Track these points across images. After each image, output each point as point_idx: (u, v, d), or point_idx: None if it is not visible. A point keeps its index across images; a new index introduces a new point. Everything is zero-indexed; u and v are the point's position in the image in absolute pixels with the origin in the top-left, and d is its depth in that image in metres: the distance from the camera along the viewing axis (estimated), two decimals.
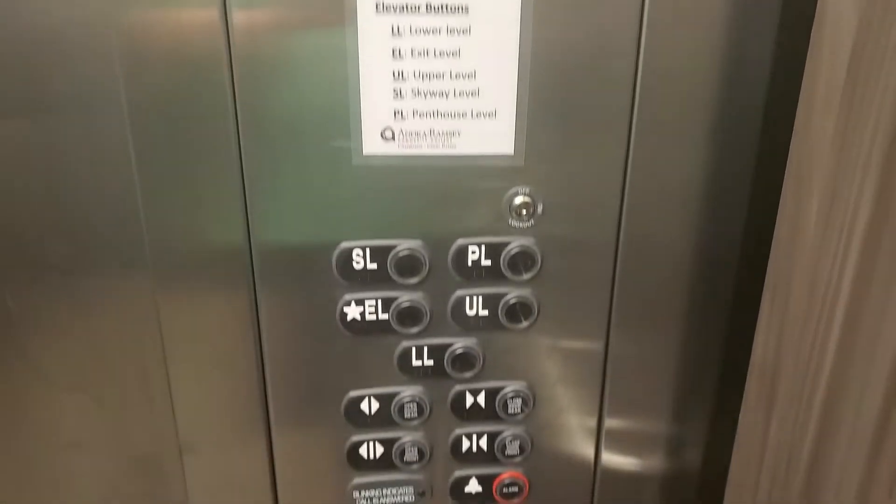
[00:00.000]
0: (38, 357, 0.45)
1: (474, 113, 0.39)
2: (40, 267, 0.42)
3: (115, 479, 0.49)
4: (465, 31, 0.37)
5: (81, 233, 0.41)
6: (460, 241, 0.43)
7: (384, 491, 0.49)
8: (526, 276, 0.44)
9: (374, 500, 0.49)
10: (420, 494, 0.49)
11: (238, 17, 0.36)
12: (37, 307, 0.43)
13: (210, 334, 0.44)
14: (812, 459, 0.38)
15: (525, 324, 0.45)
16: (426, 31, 0.37)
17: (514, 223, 0.42)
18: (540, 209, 0.42)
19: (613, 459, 0.52)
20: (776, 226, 0.38)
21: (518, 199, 0.42)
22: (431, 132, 0.40)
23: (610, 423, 0.50)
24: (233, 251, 0.42)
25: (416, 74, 0.38)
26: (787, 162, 0.37)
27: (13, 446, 0.47)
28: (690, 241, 0.45)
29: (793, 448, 0.39)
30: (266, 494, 0.49)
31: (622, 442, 0.52)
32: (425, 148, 0.40)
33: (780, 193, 0.39)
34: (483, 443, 0.48)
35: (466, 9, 0.37)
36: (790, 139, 0.38)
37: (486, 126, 0.40)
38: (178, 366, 0.45)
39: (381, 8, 0.36)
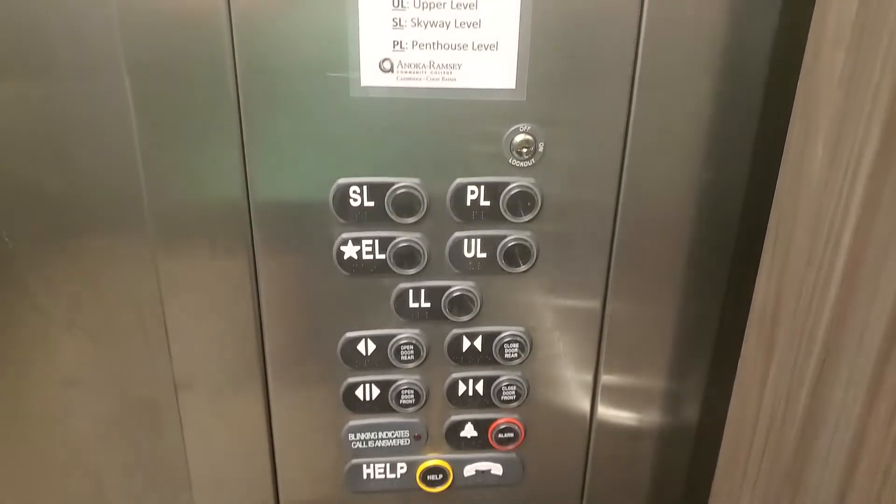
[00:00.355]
0: (36, 294, 0.44)
1: (475, 45, 0.39)
2: (42, 213, 0.42)
3: (111, 417, 0.49)
4: None
5: (81, 181, 0.41)
6: (459, 181, 0.42)
7: (379, 434, 0.49)
8: (525, 219, 0.43)
9: (368, 443, 0.49)
10: (415, 438, 0.49)
11: None
12: (36, 248, 0.43)
13: (206, 275, 0.44)
14: (810, 401, 0.38)
15: (523, 267, 0.45)
16: None
17: (515, 162, 0.42)
18: (541, 148, 0.41)
19: (609, 413, 0.52)
20: (781, 166, 0.38)
21: (519, 137, 0.41)
22: (431, 64, 0.39)
23: (607, 376, 0.50)
24: (230, 192, 0.41)
25: (416, 3, 0.37)
26: (795, 100, 0.37)
27: (10, 382, 0.47)
28: (693, 186, 0.44)
29: (791, 391, 0.39)
30: (261, 435, 0.49)
31: (618, 395, 0.51)
32: (424, 80, 0.39)
33: (784, 146, 0.38)
34: (479, 387, 0.48)
35: None
36: (795, 89, 0.37)
37: (488, 59, 0.39)
38: (174, 306, 0.45)
39: None
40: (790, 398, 0.39)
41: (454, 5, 0.37)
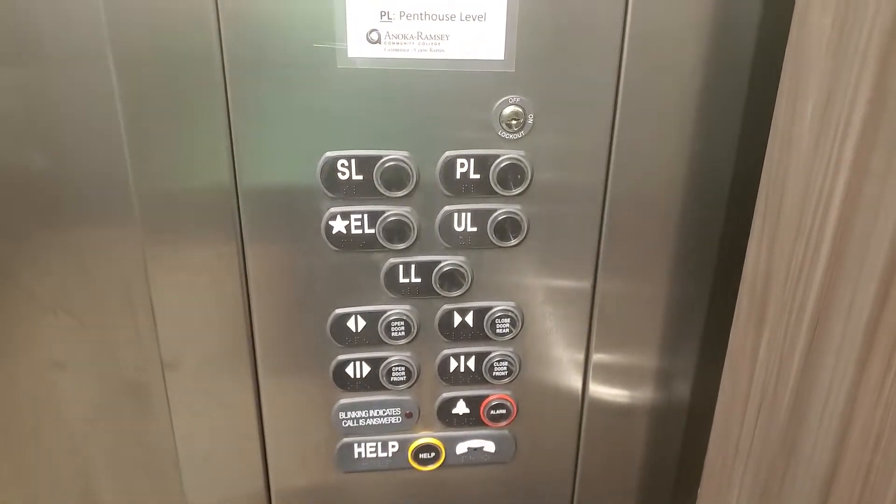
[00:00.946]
0: (23, 278, 0.44)
1: (463, 15, 0.38)
2: (29, 197, 0.41)
3: (99, 400, 0.48)
4: None
5: (68, 166, 0.41)
6: (448, 153, 0.42)
7: (370, 412, 0.48)
8: (516, 192, 0.43)
9: (360, 421, 0.49)
10: (407, 416, 0.49)
11: None
12: (23, 232, 0.42)
13: (194, 255, 0.44)
14: (802, 368, 0.38)
15: (514, 241, 0.45)
16: None
17: (505, 135, 0.41)
18: (531, 120, 0.41)
19: (601, 390, 0.52)
20: (770, 134, 0.38)
21: (508, 109, 0.41)
22: (419, 35, 0.38)
23: (598, 354, 0.50)
24: (217, 170, 0.41)
25: None
26: (783, 67, 0.37)
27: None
28: (683, 159, 0.44)
29: (783, 359, 0.39)
30: (250, 415, 0.49)
31: (610, 372, 0.51)
32: (412, 52, 0.39)
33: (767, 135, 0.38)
34: (471, 363, 0.48)
35: None
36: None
37: (476, 29, 0.39)
38: (161, 287, 0.44)
39: None
40: (782, 366, 0.39)
41: None
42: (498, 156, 0.42)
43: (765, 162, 0.39)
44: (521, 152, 0.42)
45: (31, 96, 0.39)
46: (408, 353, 0.48)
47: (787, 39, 0.37)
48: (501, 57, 0.39)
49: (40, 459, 0.50)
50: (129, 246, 0.43)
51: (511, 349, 0.48)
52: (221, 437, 0.49)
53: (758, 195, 0.40)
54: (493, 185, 0.43)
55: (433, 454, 0.50)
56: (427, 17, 0.38)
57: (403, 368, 0.47)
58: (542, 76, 0.40)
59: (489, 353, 0.48)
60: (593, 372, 0.51)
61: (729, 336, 0.44)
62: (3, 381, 0.47)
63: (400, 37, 0.38)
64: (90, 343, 0.46)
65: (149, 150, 0.40)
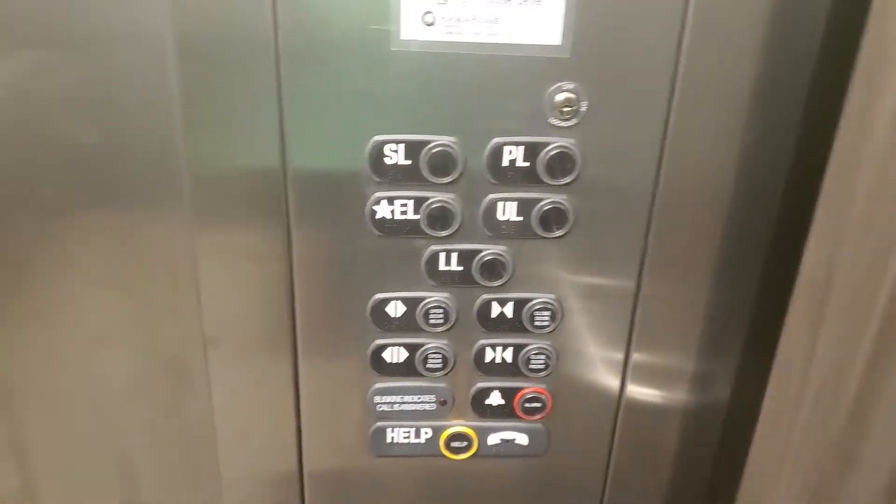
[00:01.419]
0: (73, 250, 0.44)
1: None
2: (82, 171, 0.42)
3: (140, 374, 0.49)
4: None
5: (121, 142, 0.41)
6: (497, 140, 0.41)
7: (405, 397, 0.48)
8: (564, 181, 0.42)
9: (394, 406, 0.49)
10: (441, 403, 0.49)
11: None
12: (75, 205, 0.43)
13: (240, 233, 0.44)
14: (866, 373, 0.36)
15: (558, 232, 0.44)
16: None
17: (555, 122, 0.41)
18: (584, 107, 0.40)
19: (639, 389, 0.51)
20: (840, 125, 0.36)
21: (561, 96, 0.40)
22: (474, 18, 0.38)
23: (638, 353, 0.49)
24: (266, 152, 0.41)
25: None
26: (858, 58, 0.35)
27: (42, 336, 0.47)
28: (737, 155, 0.43)
29: (843, 364, 0.37)
30: (287, 395, 0.49)
31: (649, 372, 0.50)
32: (467, 35, 0.38)
33: (832, 127, 0.36)
34: (507, 355, 0.48)
35: None
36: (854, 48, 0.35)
37: (533, 13, 0.38)
38: (207, 264, 0.45)
39: None
40: (842, 371, 0.37)
41: None
42: (547, 143, 0.41)
43: (832, 155, 0.38)
44: (572, 140, 0.41)
45: (88, 74, 0.39)
46: (445, 341, 0.47)
47: (854, 28, 0.35)
48: (558, 42, 0.38)
49: (78, 430, 0.51)
50: (178, 224, 0.43)
51: (549, 342, 0.48)
52: (258, 416, 0.49)
53: (822, 188, 0.39)
54: (540, 174, 0.42)
55: (465, 443, 0.50)
56: (483, 0, 0.37)
57: (440, 356, 0.47)
58: (598, 63, 0.39)
59: (526, 345, 0.47)
60: (632, 370, 0.50)
61: (775, 337, 0.43)
62: (48, 351, 0.48)
63: (455, 19, 0.38)
64: (134, 318, 0.47)
65: (202, 131, 0.40)
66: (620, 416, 0.52)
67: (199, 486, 0.53)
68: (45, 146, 0.41)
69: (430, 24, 0.38)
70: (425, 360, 0.47)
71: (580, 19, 0.38)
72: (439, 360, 0.47)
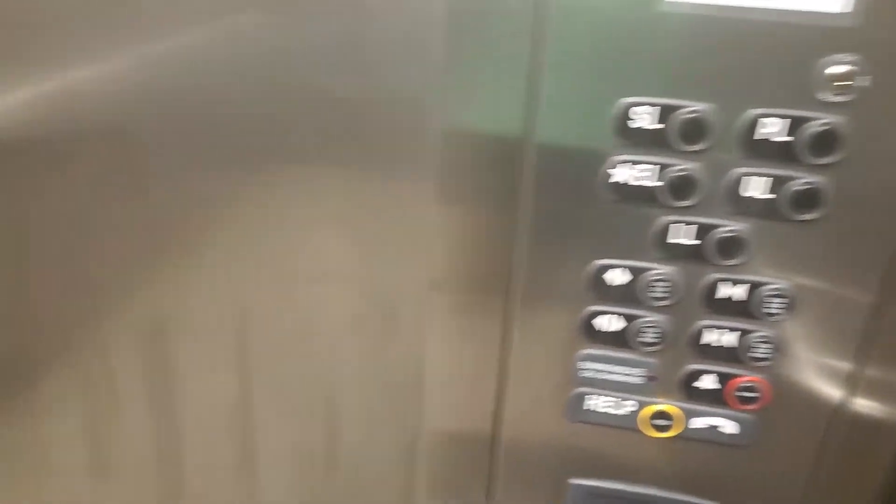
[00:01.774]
0: (312, 189, 0.48)
1: None
2: (334, 113, 0.45)
3: (356, 313, 0.52)
4: None
5: (373, 90, 0.44)
6: (756, 111, 0.39)
7: (613, 367, 0.48)
8: (823, 161, 0.39)
9: (599, 373, 0.48)
10: (650, 378, 0.48)
11: None
12: (322, 146, 0.46)
13: (475, 184, 0.45)
14: None
15: (807, 216, 0.41)
16: None
17: (827, 96, 0.38)
18: (865, 83, 0.37)
19: (860, 402, 0.47)
20: None
21: (839, 69, 0.37)
22: None
23: (870, 365, 0.45)
24: (510, 107, 0.42)
25: None
26: None
27: (267, 273, 0.52)
28: None
29: None
30: (495, 348, 0.50)
31: (877, 387, 0.46)
32: None
33: None
34: (729, 339, 0.46)
35: None
36: None
37: None
38: (439, 212, 0.46)
39: None
40: None
41: None
42: (812, 118, 0.38)
43: None
44: (842, 118, 0.38)
45: (351, 26, 0.42)
46: (663, 317, 0.46)
47: None
48: (849, 9, 0.35)
49: (292, 366, 0.55)
50: (418, 173, 0.45)
51: (777, 332, 0.45)
52: (464, 366, 0.51)
53: None
54: (798, 151, 0.39)
55: (668, 423, 0.49)
56: None
57: (657, 331, 0.46)
58: (888, 35, 0.36)
59: (752, 331, 0.45)
60: (858, 379, 0.46)
61: None
62: (270, 287, 0.53)
63: None
64: (358, 257, 0.50)
65: (455, 89, 0.42)
66: (834, 423, 0.48)
67: (398, 431, 0.56)
68: (301, 95, 0.45)
69: None
70: (639, 332, 0.46)
71: None
72: (655, 336, 0.46)
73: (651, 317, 0.46)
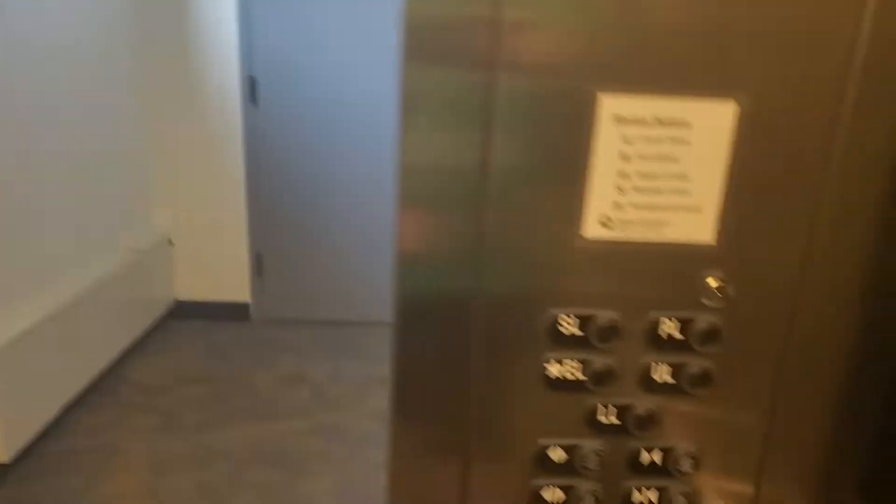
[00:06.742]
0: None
1: (683, 207, 0.46)
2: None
3: None
4: (685, 142, 0.45)
5: None
6: (654, 313, 0.49)
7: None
8: (709, 350, 0.50)
9: None
10: None
11: None
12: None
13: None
14: None
15: (704, 391, 0.51)
16: (652, 140, 0.45)
17: (708, 301, 0.49)
18: (731, 291, 0.48)
19: None
20: None
21: (713, 280, 0.48)
22: (643, 221, 0.47)
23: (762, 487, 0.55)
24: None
25: (638, 175, 0.45)
26: None
27: None
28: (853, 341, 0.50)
29: None
30: None
31: None
32: (636, 235, 0.47)
33: None
34: (652, 496, 0.54)
35: (689, 124, 0.44)
36: None
37: (692, 218, 0.46)
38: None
39: (618, 120, 0.44)
40: None
41: (669, 177, 0.45)
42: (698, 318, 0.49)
43: None
44: (718, 316, 0.49)
45: None
46: (599, 484, 0.53)
47: None
48: (713, 242, 0.47)
49: None
50: None
51: (682, 488, 0.54)
52: None
53: None
54: (691, 341, 0.49)
55: None
56: (652, 208, 0.46)
57: (594, 499, 0.53)
58: (743, 257, 0.48)
59: (668, 487, 0.53)
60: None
61: None
62: None
63: (628, 223, 0.47)
64: None
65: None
66: None
67: None
68: None
69: (608, 226, 0.47)
70: (579, 501, 0.53)
71: (729, 222, 0.47)
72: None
73: (587, 485, 0.53)
